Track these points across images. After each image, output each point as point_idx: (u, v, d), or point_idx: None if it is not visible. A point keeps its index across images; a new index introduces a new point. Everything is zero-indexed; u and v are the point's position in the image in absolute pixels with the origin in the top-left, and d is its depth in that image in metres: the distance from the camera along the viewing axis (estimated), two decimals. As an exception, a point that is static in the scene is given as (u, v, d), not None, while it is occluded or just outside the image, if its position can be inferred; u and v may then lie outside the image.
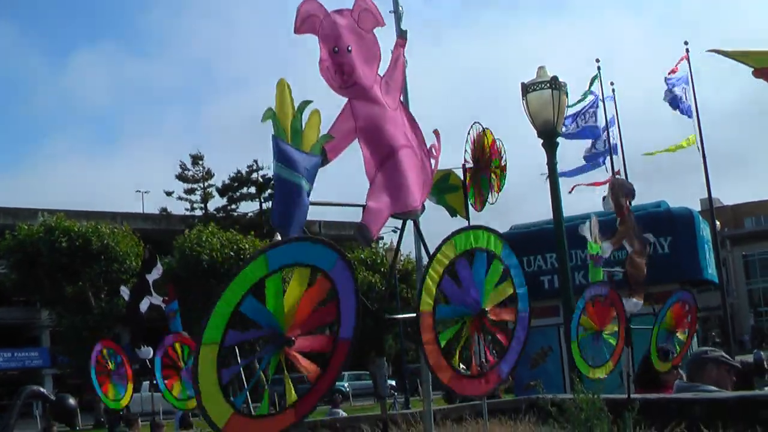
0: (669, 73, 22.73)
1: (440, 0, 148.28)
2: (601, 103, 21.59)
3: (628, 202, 6.37)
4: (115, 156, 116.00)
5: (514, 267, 5.56)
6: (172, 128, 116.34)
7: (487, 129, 7.42)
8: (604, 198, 6.27)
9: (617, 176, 14.79)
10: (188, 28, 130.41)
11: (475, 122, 7.60)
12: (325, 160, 4.58)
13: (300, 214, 4.32)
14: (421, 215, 5.22)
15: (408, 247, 5.48)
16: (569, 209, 14.15)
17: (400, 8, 5.58)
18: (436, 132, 5.46)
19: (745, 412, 6.27)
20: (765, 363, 15.46)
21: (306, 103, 4.43)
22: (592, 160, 21.31)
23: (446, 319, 5.44)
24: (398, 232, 5.48)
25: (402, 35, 5.40)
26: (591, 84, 20.46)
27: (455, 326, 5.45)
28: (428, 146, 5.38)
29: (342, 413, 17.74)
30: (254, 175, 63.37)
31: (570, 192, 20.53)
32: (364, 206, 4.79)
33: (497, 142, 7.64)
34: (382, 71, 5.08)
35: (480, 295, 5.32)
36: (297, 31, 4.59)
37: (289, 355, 4.09)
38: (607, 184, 6.55)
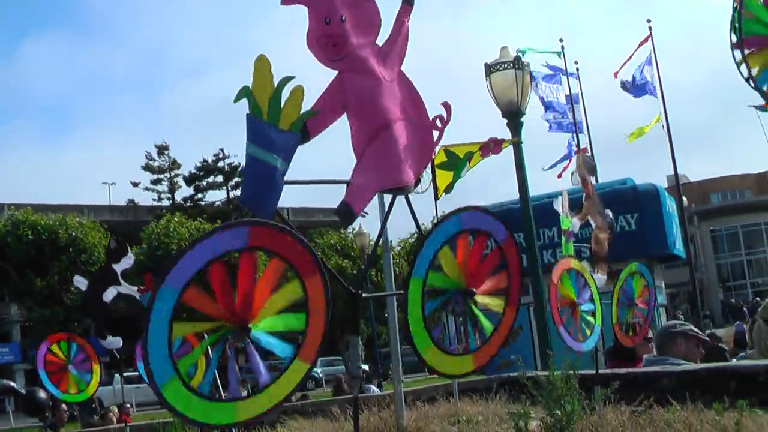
0: (618, 70, 23.07)
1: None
2: (565, 81, 21.75)
3: (592, 179, 6.37)
4: (73, 147, 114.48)
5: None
6: (132, 117, 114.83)
7: None
8: (572, 174, 6.23)
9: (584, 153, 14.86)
10: (138, 12, 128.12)
11: None
12: (306, 138, 4.34)
13: (273, 194, 4.14)
14: (413, 191, 5.02)
15: (376, 229, 5.31)
16: (535, 189, 14.22)
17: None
18: (445, 104, 5.19)
19: (714, 383, 6.31)
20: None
21: (287, 79, 4.16)
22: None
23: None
24: (367, 216, 5.29)
25: (408, 2, 5.05)
26: (524, 51, 20.27)
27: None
28: (432, 118, 5.09)
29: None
30: (221, 164, 63.22)
31: (559, 176, 20.85)
32: (348, 182, 4.57)
33: None
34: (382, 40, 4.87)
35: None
36: (285, 1, 4.40)
37: None
38: (576, 160, 6.51)
